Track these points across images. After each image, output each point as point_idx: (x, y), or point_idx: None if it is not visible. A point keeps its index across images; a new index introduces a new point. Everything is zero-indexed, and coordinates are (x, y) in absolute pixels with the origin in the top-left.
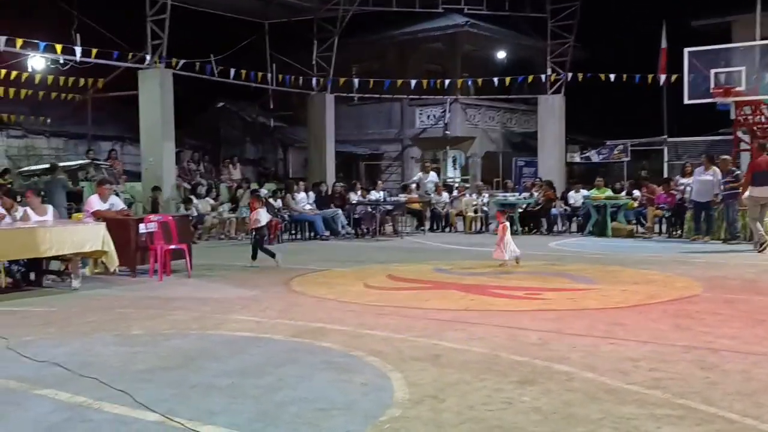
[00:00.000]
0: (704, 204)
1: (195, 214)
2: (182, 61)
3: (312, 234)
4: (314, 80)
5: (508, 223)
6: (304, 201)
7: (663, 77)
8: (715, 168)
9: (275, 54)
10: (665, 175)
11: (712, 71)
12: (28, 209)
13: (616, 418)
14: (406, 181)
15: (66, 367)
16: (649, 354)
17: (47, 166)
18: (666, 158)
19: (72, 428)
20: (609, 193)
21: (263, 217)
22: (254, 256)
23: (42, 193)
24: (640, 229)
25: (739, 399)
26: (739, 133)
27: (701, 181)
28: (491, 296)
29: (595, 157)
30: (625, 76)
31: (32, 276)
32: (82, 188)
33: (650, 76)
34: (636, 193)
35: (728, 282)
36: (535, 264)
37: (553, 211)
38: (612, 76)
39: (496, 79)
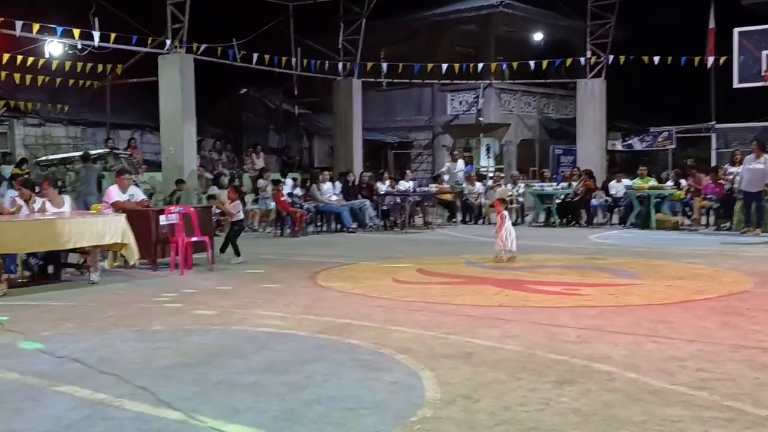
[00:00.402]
0: (755, 194)
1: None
2: (203, 46)
3: (338, 226)
4: (341, 65)
5: (506, 213)
6: (330, 191)
7: (711, 59)
8: (766, 155)
9: (300, 38)
10: (713, 163)
11: (764, 53)
12: (45, 200)
13: (660, 421)
14: (437, 171)
15: (85, 363)
16: (695, 353)
17: (78, 154)
18: (714, 146)
19: (93, 426)
20: (653, 182)
21: (239, 209)
22: (223, 249)
23: (77, 183)
24: (686, 221)
25: None
26: None
27: (752, 170)
28: (527, 292)
29: (637, 144)
30: (669, 58)
31: (50, 269)
32: (102, 177)
33: (697, 59)
34: (682, 182)
35: None
36: (574, 258)
37: (593, 202)
38: (656, 59)
39: (532, 63)
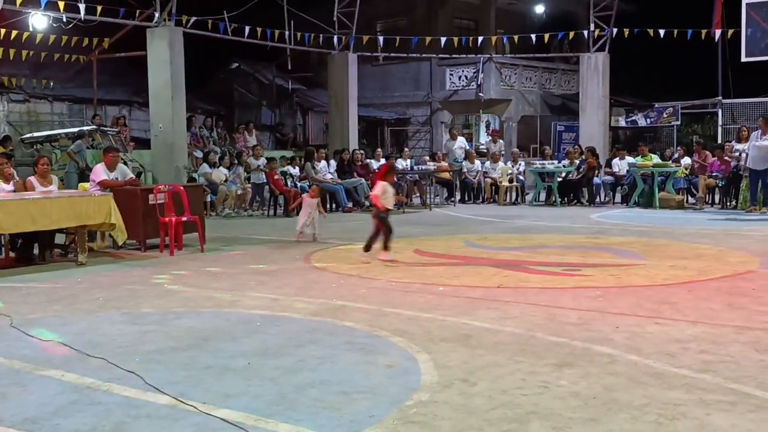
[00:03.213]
0: (761, 172)
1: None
2: (193, 19)
3: (333, 205)
4: (335, 38)
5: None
6: (325, 170)
7: (718, 32)
8: None
9: (293, 10)
10: (719, 140)
11: None
12: (34, 179)
13: (661, 404)
14: (435, 149)
15: (73, 346)
16: (699, 335)
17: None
18: (720, 122)
19: (80, 411)
20: (657, 160)
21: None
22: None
23: (75, 160)
24: (691, 200)
25: None
26: None
27: (759, 147)
28: (527, 272)
29: (642, 120)
30: (675, 31)
31: (36, 250)
32: None
33: (704, 32)
34: (687, 160)
35: None
36: (575, 238)
37: (596, 180)
38: (661, 32)
39: (533, 36)
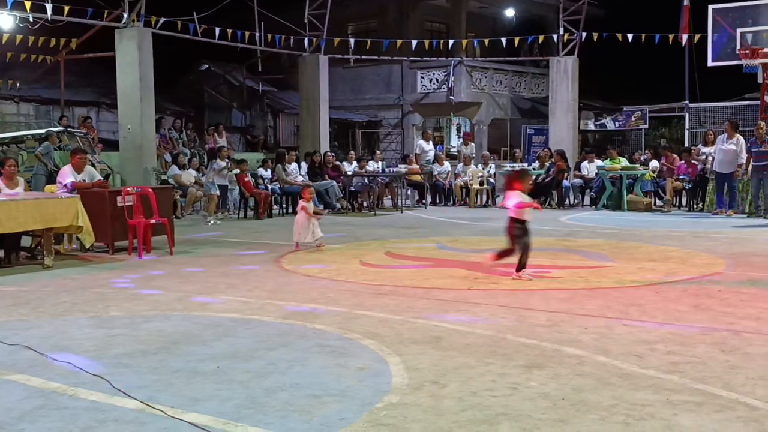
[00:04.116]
0: (728, 175)
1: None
2: (162, 20)
3: None
4: (306, 40)
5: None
6: (296, 172)
7: (685, 37)
8: (738, 136)
9: (264, 11)
10: (686, 143)
11: (739, 30)
12: (0, 181)
13: (629, 405)
14: (406, 151)
15: (38, 350)
16: (666, 336)
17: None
18: (687, 125)
19: (45, 416)
20: (625, 163)
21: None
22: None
23: (42, 162)
24: (659, 202)
25: (762, 384)
26: (767, 98)
27: (724, 151)
28: (497, 275)
29: (610, 124)
30: (643, 36)
31: (1, 253)
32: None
33: (671, 36)
34: (654, 163)
35: (753, 259)
36: (545, 240)
37: (565, 183)
38: (630, 36)
39: (504, 40)
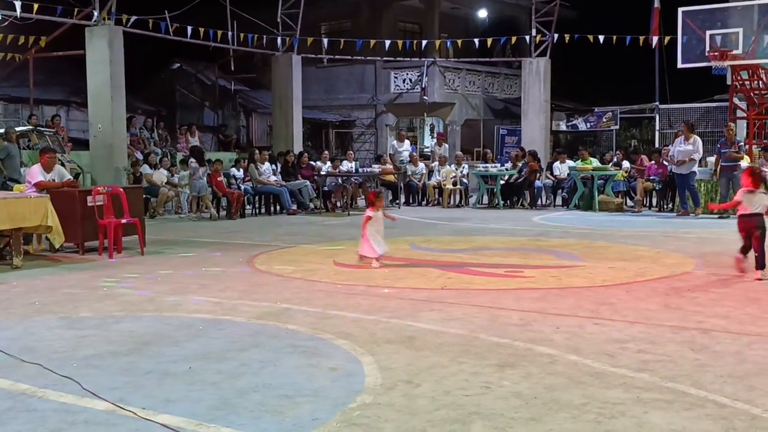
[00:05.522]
0: (687, 176)
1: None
2: (134, 18)
3: (278, 207)
4: (279, 40)
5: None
6: (269, 172)
7: (655, 39)
8: (695, 137)
9: (236, 10)
10: (656, 144)
11: (708, 33)
12: None
13: (600, 403)
14: (380, 151)
15: (7, 352)
16: (636, 335)
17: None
18: (658, 126)
19: (14, 418)
20: (597, 163)
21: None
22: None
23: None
24: (630, 203)
25: (730, 382)
26: (736, 100)
27: (681, 152)
28: (470, 274)
29: (582, 125)
30: (615, 37)
31: None
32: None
33: (642, 38)
34: (625, 164)
35: (722, 259)
36: (517, 240)
37: (537, 183)
38: (601, 38)
39: (477, 40)
